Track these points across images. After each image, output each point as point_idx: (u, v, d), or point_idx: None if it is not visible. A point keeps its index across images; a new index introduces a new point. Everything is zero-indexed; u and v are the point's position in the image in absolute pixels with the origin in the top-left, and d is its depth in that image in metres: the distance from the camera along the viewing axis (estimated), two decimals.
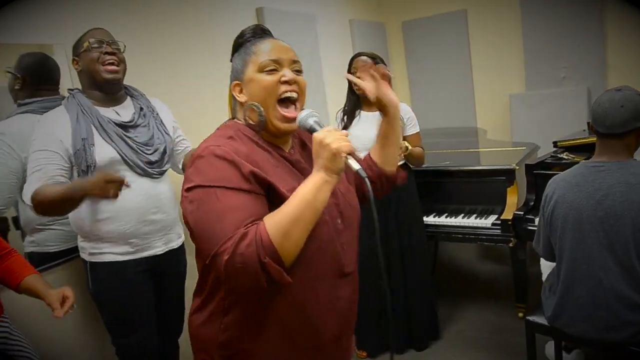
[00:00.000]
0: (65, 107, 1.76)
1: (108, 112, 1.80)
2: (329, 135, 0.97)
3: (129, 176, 1.74)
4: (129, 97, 1.92)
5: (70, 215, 1.82)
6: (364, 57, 2.59)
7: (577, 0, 3.95)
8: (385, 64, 2.61)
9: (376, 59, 2.60)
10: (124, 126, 1.79)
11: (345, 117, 2.68)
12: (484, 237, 2.64)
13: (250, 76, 1.09)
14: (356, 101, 2.67)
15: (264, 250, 0.91)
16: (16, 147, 1.87)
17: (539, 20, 4.14)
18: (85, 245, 1.84)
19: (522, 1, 4.20)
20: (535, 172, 2.56)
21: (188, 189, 1.00)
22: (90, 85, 1.79)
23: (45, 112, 1.84)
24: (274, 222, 0.94)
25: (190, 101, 2.65)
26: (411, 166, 2.72)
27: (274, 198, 1.00)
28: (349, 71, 2.63)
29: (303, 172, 1.10)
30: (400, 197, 2.62)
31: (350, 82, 2.65)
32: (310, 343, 1.10)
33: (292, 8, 3.60)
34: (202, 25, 2.85)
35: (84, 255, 1.85)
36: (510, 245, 2.55)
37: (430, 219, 2.84)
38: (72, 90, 1.82)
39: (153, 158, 1.82)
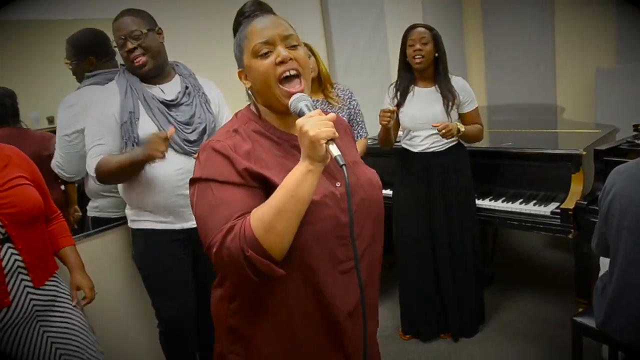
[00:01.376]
0: (116, 82, 1.85)
1: (153, 90, 1.87)
2: (309, 121, 0.92)
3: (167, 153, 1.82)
4: (177, 75, 1.96)
5: (119, 184, 1.94)
6: (421, 29, 2.44)
7: None
8: (439, 37, 2.44)
9: (433, 31, 2.45)
10: (167, 104, 1.85)
11: (398, 94, 2.57)
12: (542, 226, 2.44)
13: (248, 63, 1.06)
14: (410, 77, 2.55)
15: (246, 243, 0.91)
16: (84, 118, 1.99)
17: None
18: (129, 212, 1.96)
19: None
20: (605, 158, 2.31)
21: (191, 181, 1.05)
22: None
23: (108, 83, 1.95)
24: (258, 215, 0.93)
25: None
26: (465, 144, 2.57)
27: (271, 191, 0.98)
28: (403, 44, 2.51)
29: None
30: (451, 177, 2.50)
31: (402, 57, 2.53)
32: (311, 333, 1.08)
33: None
34: None
35: (129, 222, 1.98)
36: (570, 236, 2.35)
37: (485, 203, 2.68)
38: (123, 65, 1.90)
39: (192, 137, 1.86)
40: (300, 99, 1.00)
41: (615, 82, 3.80)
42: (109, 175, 1.78)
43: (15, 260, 1.56)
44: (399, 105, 2.55)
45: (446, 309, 2.65)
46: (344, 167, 0.91)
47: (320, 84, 2.64)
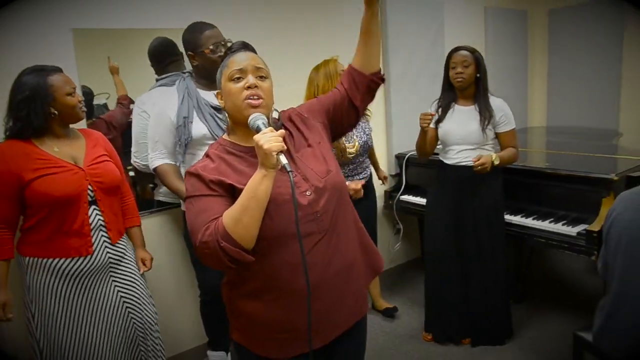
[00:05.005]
0: (176, 88, 2.19)
1: (209, 95, 2.16)
2: (263, 136, 1.16)
3: None
4: None
5: None
6: (463, 52, 2.58)
7: None
8: (481, 59, 2.58)
9: (475, 53, 2.59)
10: (218, 109, 2.15)
11: (440, 110, 2.73)
12: (566, 245, 2.50)
13: (223, 85, 1.33)
14: (452, 95, 2.70)
15: (219, 236, 1.17)
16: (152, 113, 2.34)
17: None
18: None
19: None
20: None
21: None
22: (202, 75, 2.18)
23: (174, 84, 2.28)
24: (228, 214, 1.19)
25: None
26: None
27: (237, 194, 1.23)
28: (446, 65, 2.66)
29: None
30: (481, 190, 2.63)
31: (446, 76, 2.68)
32: (284, 302, 1.31)
33: None
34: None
35: (182, 206, 2.33)
36: (593, 258, 2.40)
37: (516, 219, 2.77)
38: (184, 72, 2.26)
39: None
40: (257, 118, 1.24)
41: None
42: (163, 182, 2.25)
43: (99, 220, 1.95)
44: (439, 120, 2.72)
45: (469, 317, 2.78)
46: (290, 173, 1.16)
47: None
